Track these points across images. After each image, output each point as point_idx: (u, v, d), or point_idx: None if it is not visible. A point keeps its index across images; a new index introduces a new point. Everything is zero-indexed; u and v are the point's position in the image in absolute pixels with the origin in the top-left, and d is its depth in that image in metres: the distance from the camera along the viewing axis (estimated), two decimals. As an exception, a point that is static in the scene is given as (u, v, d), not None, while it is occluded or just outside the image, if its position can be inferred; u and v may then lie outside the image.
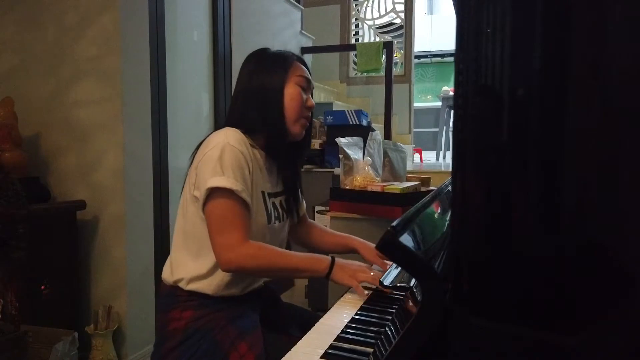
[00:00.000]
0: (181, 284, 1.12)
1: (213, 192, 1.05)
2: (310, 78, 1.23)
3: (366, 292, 1.05)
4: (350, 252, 1.31)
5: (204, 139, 1.15)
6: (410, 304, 0.84)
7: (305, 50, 3.93)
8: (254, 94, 1.17)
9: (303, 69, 1.21)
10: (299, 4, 3.94)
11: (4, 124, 1.88)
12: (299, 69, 1.20)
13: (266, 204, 1.16)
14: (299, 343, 0.84)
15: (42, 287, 1.80)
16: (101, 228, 2.02)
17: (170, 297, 1.14)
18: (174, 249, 1.17)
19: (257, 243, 1.09)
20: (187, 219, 1.13)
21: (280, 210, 1.23)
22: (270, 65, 1.19)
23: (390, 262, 1.21)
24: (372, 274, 1.07)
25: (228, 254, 1.04)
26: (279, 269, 1.10)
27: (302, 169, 3.19)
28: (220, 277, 1.10)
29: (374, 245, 1.24)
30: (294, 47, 3.77)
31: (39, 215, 1.80)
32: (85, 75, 2.00)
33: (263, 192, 1.16)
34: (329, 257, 1.10)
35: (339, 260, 1.09)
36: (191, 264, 1.12)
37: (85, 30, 1.99)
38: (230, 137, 1.09)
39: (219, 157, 1.05)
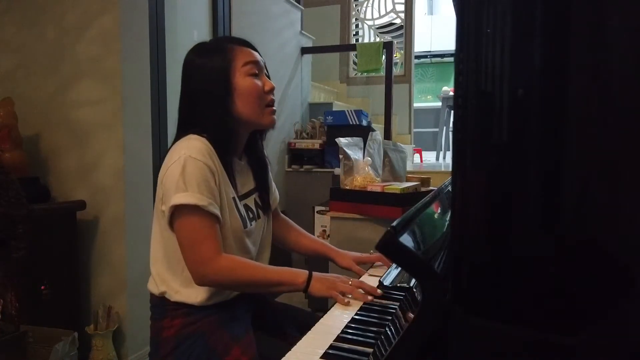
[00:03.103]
0: (167, 296, 1.10)
1: (179, 209, 1.01)
2: (259, 58, 1.14)
3: (348, 300, 1.01)
4: (325, 258, 1.31)
5: (169, 148, 1.10)
6: (410, 304, 0.84)
7: (305, 50, 3.93)
8: (196, 96, 1.11)
9: (247, 53, 1.11)
10: (299, 4, 3.93)
11: (4, 124, 1.88)
12: (242, 55, 1.10)
13: (239, 209, 1.12)
14: (299, 343, 0.84)
15: (42, 287, 1.80)
16: (101, 228, 2.02)
17: (159, 306, 1.12)
18: (154, 262, 1.13)
19: (232, 256, 1.06)
20: (162, 232, 1.10)
21: (254, 208, 1.19)
22: (208, 60, 1.10)
23: (364, 270, 1.22)
24: (350, 283, 1.04)
25: (201, 269, 1.01)
26: (255, 282, 1.06)
27: (302, 169, 3.21)
28: (203, 289, 1.07)
29: (348, 252, 1.28)
30: (294, 47, 3.77)
31: (39, 215, 1.80)
32: (85, 75, 2.00)
33: (234, 199, 1.11)
34: (306, 271, 1.06)
35: (316, 273, 1.06)
36: (173, 278, 1.09)
37: (85, 30, 1.99)
38: (191, 149, 1.03)
39: (181, 172, 1.01)
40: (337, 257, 1.28)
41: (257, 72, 1.12)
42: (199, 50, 1.15)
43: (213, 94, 1.09)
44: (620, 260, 0.48)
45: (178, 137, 1.12)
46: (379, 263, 1.29)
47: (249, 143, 1.21)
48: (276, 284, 1.07)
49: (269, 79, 1.17)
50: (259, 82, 1.12)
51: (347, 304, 0.99)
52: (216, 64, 1.09)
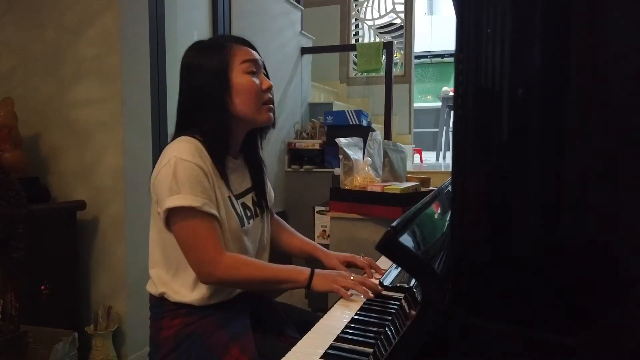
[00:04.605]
0: (166, 296, 1.10)
1: (175, 212, 1.02)
2: (257, 57, 1.13)
3: (352, 294, 1.03)
4: (314, 259, 1.31)
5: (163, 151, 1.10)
6: (410, 304, 0.84)
7: (305, 50, 3.93)
8: (194, 94, 1.11)
9: (245, 51, 1.11)
10: (299, 4, 3.93)
11: (4, 124, 1.88)
12: (240, 54, 1.10)
13: (235, 208, 1.12)
14: (299, 343, 0.84)
15: (42, 287, 1.80)
16: (101, 228, 2.02)
17: (158, 307, 1.13)
18: (152, 265, 1.13)
19: (235, 254, 1.07)
20: (159, 233, 1.10)
21: (252, 207, 1.19)
22: (207, 58, 1.10)
23: (349, 270, 1.22)
24: (352, 278, 1.05)
25: (206, 269, 1.03)
26: (259, 280, 1.08)
27: (302, 169, 3.21)
28: (204, 289, 1.08)
29: (336, 253, 1.29)
30: (294, 47, 3.77)
31: (39, 215, 1.80)
32: (85, 75, 2.00)
33: (230, 197, 1.11)
34: (308, 268, 1.08)
35: (318, 270, 1.08)
36: (173, 280, 1.10)
37: (85, 30, 1.99)
38: (181, 151, 1.03)
39: (173, 175, 1.01)
40: (324, 258, 1.28)
41: (255, 70, 1.12)
42: (197, 49, 1.14)
43: (212, 94, 1.09)
44: (620, 260, 0.48)
45: (174, 138, 1.12)
46: (383, 259, 1.29)
47: (246, 142, 1.20)
48: (279, 282, 1.08)
49: (268, 78, 1.17)
50: (256, 80, 1.11)
51: (351, 297, 1.01)
52: (215, 63, 1.09)
